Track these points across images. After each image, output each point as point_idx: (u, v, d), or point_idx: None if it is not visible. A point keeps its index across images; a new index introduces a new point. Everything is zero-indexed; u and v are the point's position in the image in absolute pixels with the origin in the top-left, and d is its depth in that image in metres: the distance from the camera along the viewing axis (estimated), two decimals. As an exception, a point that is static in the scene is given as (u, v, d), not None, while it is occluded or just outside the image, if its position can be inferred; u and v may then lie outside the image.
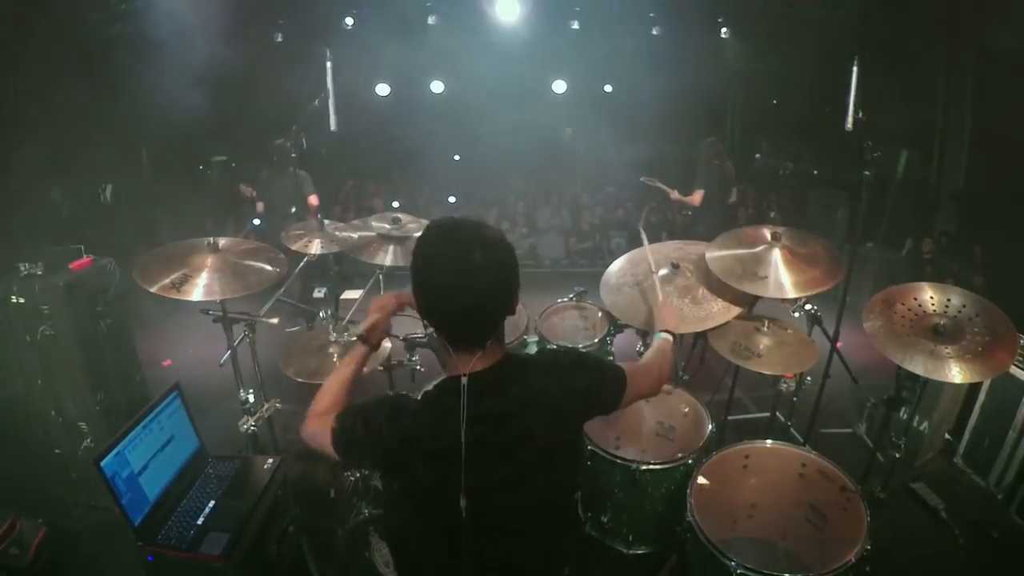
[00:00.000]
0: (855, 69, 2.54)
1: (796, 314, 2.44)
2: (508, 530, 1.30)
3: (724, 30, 6.97)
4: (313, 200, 4.98)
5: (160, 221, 6.33)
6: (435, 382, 1.31)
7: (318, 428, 1.33)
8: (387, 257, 3.07)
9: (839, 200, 6.47)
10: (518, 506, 1.28)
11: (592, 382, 1.33)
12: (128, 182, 6.24)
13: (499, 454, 1.21)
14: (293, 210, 4.78)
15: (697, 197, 4.93)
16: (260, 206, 5.27)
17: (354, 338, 1.63)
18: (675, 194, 4.98)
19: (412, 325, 2.54)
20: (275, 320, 2.55)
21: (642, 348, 2.98)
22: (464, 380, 1.19)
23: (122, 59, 5.41)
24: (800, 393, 2.75)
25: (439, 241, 1.19)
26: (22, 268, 2.73)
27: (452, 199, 8.48)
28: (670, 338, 1.72)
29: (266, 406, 2.59)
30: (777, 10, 6.28)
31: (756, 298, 2.47)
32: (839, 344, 2.65)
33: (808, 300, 2.39)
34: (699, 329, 2.42)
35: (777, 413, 3.13)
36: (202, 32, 5.60)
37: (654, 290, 2.16)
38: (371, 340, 1.51)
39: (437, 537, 1.31)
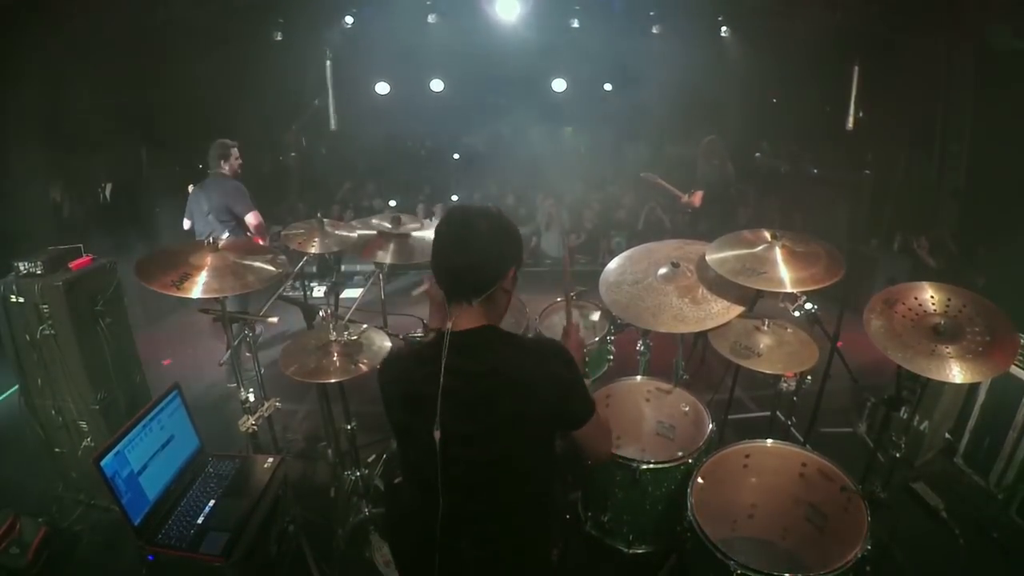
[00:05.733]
0: (855, 69, 2.53)
1: (796, 313, 2.43)
2: (471, 484, 1.37)
3: (724, 30, 6.98)
4: (251, 219, 3.99)
5: (160, 221, 6.33)
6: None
7: None
8: (387, 256, 3.05)
9: (839, 200, 6.46)
10: (480, 463, 1.35)
11: (572, 380, 1.39)
12: (128, 182, 6.25)
13: (463, 409, 1.31)
14: (226, 235, 3.71)
15: (697, 198, 4.97)
16: (186, 223, 4.15)
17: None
18: (685, 198, 5.03)
19: (412, 324, 2.56)
20: (275, 319, 2.55)
21: (642, 347, 2.98)
22: (448, 326, 1.33)
23: (122, 58, 5.41)
24: (800, 393, 2.75)
25: (452, 213, 1.42)
26: (22, 268, 2.73)
27: (455, 198, 8.48)
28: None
29: (266, 405, 2.58)
30: (777, 10, 6.28)
31: (756, 298, 2.47)
32: (839, 344, 2.65)
33: (808, 299, 2.39)
34: (699, 329, 2.42)
35: (777, 413, 3.12)
36: (202, 31, 5.60)
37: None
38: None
39: (419, 493, 1.41)
